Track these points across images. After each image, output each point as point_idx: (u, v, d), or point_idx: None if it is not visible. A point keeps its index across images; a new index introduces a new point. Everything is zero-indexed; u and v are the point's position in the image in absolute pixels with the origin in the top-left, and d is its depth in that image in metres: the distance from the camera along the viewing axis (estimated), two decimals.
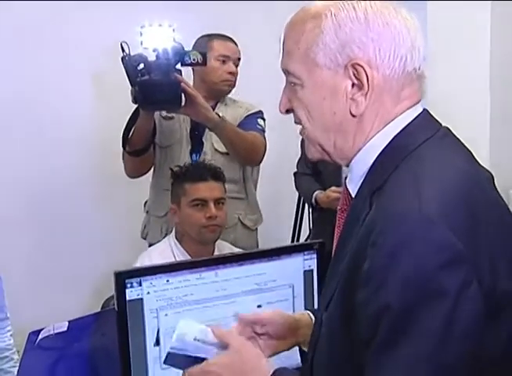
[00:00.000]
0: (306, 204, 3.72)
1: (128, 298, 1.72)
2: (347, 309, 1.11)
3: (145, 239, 3.20)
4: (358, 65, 1.16)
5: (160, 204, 3.09)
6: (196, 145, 3.07)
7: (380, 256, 1.06)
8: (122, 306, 1.72)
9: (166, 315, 1.77)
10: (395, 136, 1.19)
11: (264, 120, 3.13)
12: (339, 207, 1.30)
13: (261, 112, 3.15)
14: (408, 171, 1.14)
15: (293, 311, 1.90)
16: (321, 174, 3.46)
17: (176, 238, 2.78)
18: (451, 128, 1.26)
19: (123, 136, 2.87)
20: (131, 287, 1.73)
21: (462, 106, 3.17)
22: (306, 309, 1.85)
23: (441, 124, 1.25)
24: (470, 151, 1.25)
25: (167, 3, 3.20)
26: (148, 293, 1.74)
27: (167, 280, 1.77)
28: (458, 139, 1.25)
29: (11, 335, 1.99)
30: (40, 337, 1.80)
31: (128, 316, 1.72)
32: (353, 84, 1.17)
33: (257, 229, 3.25)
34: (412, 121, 1.20)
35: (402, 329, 1.04)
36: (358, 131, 1.20)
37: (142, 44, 2.64)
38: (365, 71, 1.15)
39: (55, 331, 1.81)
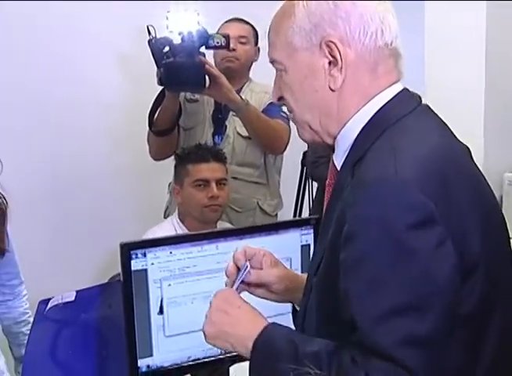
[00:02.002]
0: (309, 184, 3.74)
1: (132, 268, 1.80)
2: (334, 272, 1.19)
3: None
4: (331, 42, 1.25)
5: None
6: (219, 128, 3.14)
7: (356, 217, 1.15)
8: (127, 276, 1.80)
9: (169, 285, 1.85)
10: (376, 112, 1.28)
11: None
12: (327, 182, 1.39)
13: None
14: (386, 142, 1.22)
15: None
16: None
17: (179, 218, 2.86)
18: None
19: (149, 116, 2.97)
20: (136, 258, 1.81)
21: (459, 101, 3.23)
22: None
23: (420, 102, 1.33)
24: (447, 127, 1.33)
25: None
26: (152, 264, 1.83)
27: (171, 252, 1.85)
28: (436, 115, 1.34)
29: (27, 299, 2.08)
30: (49, 306, 1.88)
31: (133, 286, 1.81)
32: (330, 62, 1.27)
33: (277, 214, 3.29)
34: (392, 97, 1.29)
35: (378, 280, 1.13)
36: (340, 107, 1.29)
37: (167, 27, 2.76)
38: (337, 48, 1.25)
39: (64, 301, 1.89)
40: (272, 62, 1.34)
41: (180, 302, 1.87)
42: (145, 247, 1.82)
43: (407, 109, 1.28)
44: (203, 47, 2.81)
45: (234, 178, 3.09)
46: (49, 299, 1.89)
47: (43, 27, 3.39)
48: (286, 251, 1.97)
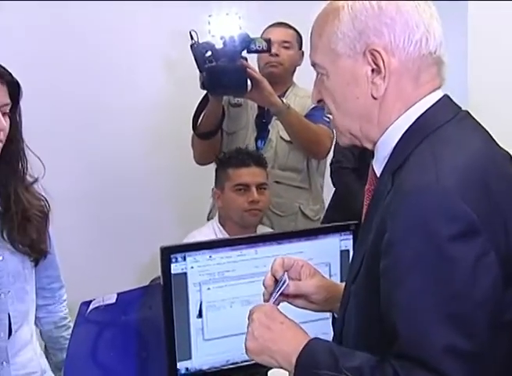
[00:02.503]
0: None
1: (172, 271, 1.83)
2: (374, 280, 1.19)
3: None
4: (375, 50, 1.24)
5: None
6: (262, 132, 3.16)
7: (397, 227, 1.15)
8: (167, 279, 1.83)
9: (208, 289, 1.87)
10: (417, 119, 1.27)
11: None
12: (366, 187, 1.39)
13: None
14: (426, 150, 1.21)
15: None
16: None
17: (219, 222, 2.88)
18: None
19: (193, 120, 3.01)
20: (176, 261, 1.83)
21: (503, 103, 3.18)
22: None
23: (460, 108, 1.32)
24: (488, 133, 1.32)
25: None
26: (192, 267, 1.85)
27: (210, 256, 1.87)
28: (477, 122, 1.33)
29: (66, 304, 2.11)
30: (90, 307, 1.91)
31: (173, 289, 1.83)
32: (373, 70, 1.26)
33: (319, 219, 3.28)
34: (433, 104, 1.28)
35: (420, 290, 1.12)
36: (381, 114, 1.28)
37: (209, 32, 2.80)
38: (381, 56, 1.24)
39: (105, 303, 1.91)
40: (314, 65, 1.34)
41: (219, 306, 1.89)
42: (185, 251, 1.85)
43: (447, 116, 1.27)
44: (245, 51, 2.83)
45: (276, 182, 3.10)
46: (91, 301, 1.91)
47: (91, 31, 3.44)
48: (325, 256, 1.98)
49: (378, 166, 1.33)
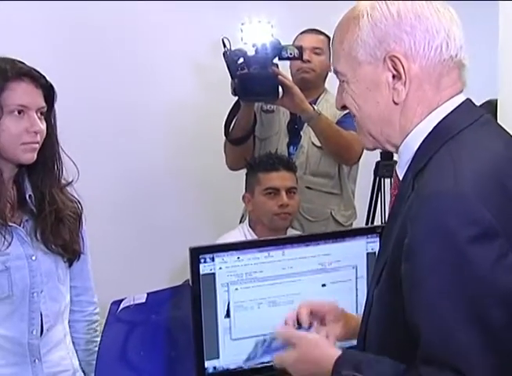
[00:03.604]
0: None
1: (201, 272, 1.86)
2: (396, 284, 1.21)
3: None
4: (395, 57, 1.25)
5: None
6: (294, 138, 3.18)
7: (416, 231, 1.16)
8: (196, 279, 1.86)
9: (236, 289, 1.90)
10: (438, 123, 1.28)
11: None
12: (391, 192, 1.42)
13: None
14: (445, 154, 1.22)
15: (357, 291, 2.00)
16: None
17: (250, 225, 2.91)
18: None
19: (225, 126, 3.05)
20: (205, 262, 1.87)
21: None
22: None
23: (484, 113, 1.33)
24: (509, 134, 1.33)
25: (266, 1, 3.32)
26: (220, 268, 1.88)
27: (238, 257, 1.90)
28: (500, 126, 1.34)
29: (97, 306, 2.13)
30: (121, 307, 1.95)
31: (201, 289, 1.87)
32: (394, 76, 1.27)
33: (351, 224, 3.28)
34: (454, 108, 1.29)
35: (442, 293, 1.13)
36: (403, 118, 1.30)
37: (242, 39, 2.84)
38: (401, 63, 1.25)
39: (135, 302, 1.95)
40: (336, 72, 1.37)
41: (246, 307, 1.92)
42: (213, 251, 1.88)
43: (468, 120, 1.28)
44: (277, 58, 2.87)
45: (308, 188, 3.13)
46: (121, 300, 1.95)
47: (127, 37, 3.49)
48: (352, 258, 2.00)
49: (401, 170, 1.34)
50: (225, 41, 2.83)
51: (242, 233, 2.91)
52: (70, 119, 2.95)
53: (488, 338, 1.12)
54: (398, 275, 1.20)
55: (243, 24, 2.82)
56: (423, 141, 1.29)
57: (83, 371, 2.04)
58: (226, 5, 3.53)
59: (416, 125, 1.30)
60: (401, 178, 1.34)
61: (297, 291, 1.96)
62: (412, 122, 1.30)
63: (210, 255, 1.87)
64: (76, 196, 1.98)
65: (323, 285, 1.98)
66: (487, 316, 1.12)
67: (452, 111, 1.29)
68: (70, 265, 1.96)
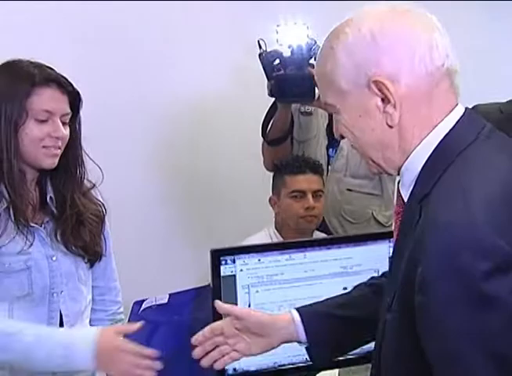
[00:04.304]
0: None
1: (222, 273, 1.87)
2: (409, 313, 1.16)
3: None
4: (378, 81, 1.21)
5: None
6: (333, 140, 3.16)
7: (430, 265, 1.10)
8: (217, 281, 1.87)
9: (257, 291, 1.91)
10: (440, 142, 1.23)
11: None
12: (395, 209, 1.36)
13: None
14: (453, 178, 1.17)
15: None
16: None
17: (276, 228, 2.92)
18: None
19: (262, 127, 3.06)
20: (226, 264, 1.88)
21: None
22: None
23: (485, 123, 1.27)
24: None
25: (302, 2, 3.31)
26: (241, 270, 1.89)
27: (259, 260, 1.91)
28: (503, 136, 1.28)
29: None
30: (143, 307, 1.97)
31: (222, 291, 1.87)
32: (382, 99, 1.22)
33: (391, 225, 3.27)
34: (455, 124, 1.24)
35: (460, 333, 1.09)
36: (402, 140, 1.25)
37: (277, 41, 2.85)
38: (385, 86, 1.20)
39: (157, 303, 1.97)
40: (326, 105, 1.33)
41: (267, 309, 1.91)
42: (234, 253, 1.89)
43: (471, 136, 1.23)
44: (313, 59, 2.85)
45: (349, 190, 3.13)
46: (143, 300, 1.97)
47: (162, 39, 3.50)
48: (374, 262, 1.99)
49: (405, 191, 1.29)
50: (261, 43, 2.84)
51: (268, 235, 2.92)
52: (99, 121, 3.02)
53: (508, 374, 1.08)
54: (411, 302, 1.15)
55: (278, 26, 2.83)
56: (426, 162, 1.24)
57: None
58: (261, 7, 3.54)
59: (418, 146, 1.25)
60: (405, 199, 1.29)
61: (318, 294, 1.93)
62: (412, 143, 1.25)
63: (231, 257, 1.88)
64: (100, 198, 2.00)
65: (345, 288, 1.96)
66: (505, 351, 1.08)
67: (452, 127, 1.24)
68: (92, 266, 1.98)
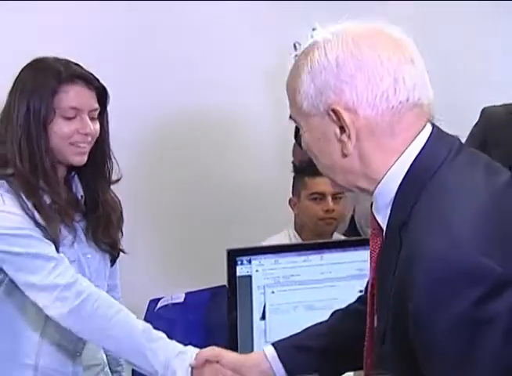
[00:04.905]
0: None
1: (238, 274, 1.88)
2: (404, 344, 1.14)
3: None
4: (336, 110, 1.18)
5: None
6: None
7: (420, 299, 1.08)
8: (233, 281, 1.88)
9: (272, 292, 1.91)
10: (411, 165, 1.19)
11: None
12: (370, 232, 1.32)
13: None
14: (431, 204, 1.14)
15: None
16: None
17: (295, 229, 2.92)
18: None
19: (295, 129, 3.05)
20: (242, 264, 1.88)
21: None
22: None
23: (453, 139, 1.24)
24: (485, 156, 1.25)
25: (338, 4, 3.29)
26: (257, 271, 1.89)
27: (276, 260, 1.91)
28: (472, 150, 1.26)
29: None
30: (159, 305, 1.98)
31: (238, 291, 1.88)
32: (341, 127, 1.19)
33: None
34: (423, 146, 1.20)
35: (461, 367, 1.07)
36: (365, 167, 1.22)
37: None
38: (341, 115, 1.18)
39: (173, 301, 1.98)
40: (290, 117, 1.31)
41: (283, 310, 1.92)
42: (250, 254, 1.89)
43: (440, 155, 1.19)
44: None
45: None
46: (159, 299, 1.98)
47: (197, 44, 3.50)
48: None
49: (381, 217, 1.25)
50: (297, 46, 2.81)
51: (287, 236, 2.91)
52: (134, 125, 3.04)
53: None
54: (404, 333, 1.12)
55: (314, 30, 2.80)
56: (399, 187, 1.20)
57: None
58: (296, 10, 3.53)
59: (388, 171, 1.20)
60: (382, 226, 1.25)
61: (334, 296, 1.95)
62: (379, 169, 1.21)
63: (247, 258, 1.88)
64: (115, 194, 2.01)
65: (361, 291, 1.95)
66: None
67: (421, 150, 1.20)
68: (114, 263, 1.99)
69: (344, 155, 1.21)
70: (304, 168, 2.88)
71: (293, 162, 3.03)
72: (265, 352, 1.62)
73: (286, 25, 3.43)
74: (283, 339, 1.64)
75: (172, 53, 3.46)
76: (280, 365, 1.59)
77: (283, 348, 1.61)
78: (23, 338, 1.82)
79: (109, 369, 2.05)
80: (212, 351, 1.69)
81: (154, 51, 3.41)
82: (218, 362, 1.65)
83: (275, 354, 1.60)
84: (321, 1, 3.31)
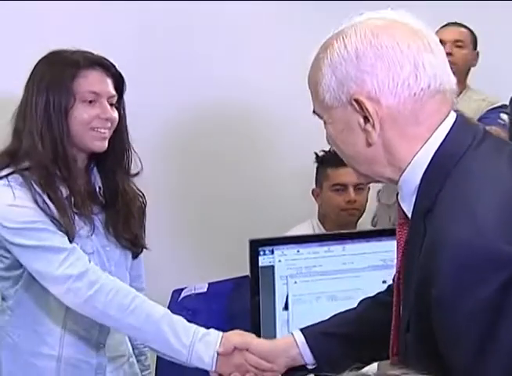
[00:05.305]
0: None
1: (260, 264, 1.88)
2: (427, 331, 1.15)
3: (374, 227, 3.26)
4: (358, 100, 1.20)
5: (390, 194, 3.09)
6: None
7: (444, 285, 1.09)
8: (255, 271, 1.88)
9: (295, 282, 1.91)
10: (435, 152, 1.20)
11: (508, 114, 2.99)
12: (397, 222, 1.32)
13: (504, 106, 3.05)
14: (455, 192, 1.16)
15: None
16: None
17: (319, 219, 2.92)
18: None
19: None
20: (264, 254, 1.88)
21: None
22: None
23: (477, 126, 1.26)
24: (510, 144, 1.28)
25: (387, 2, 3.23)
26: (279, 261, 1.90)
27: (298, 251, 1.91)
28: (496, 138, 1.27)
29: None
30: (182, 295, 1.99)
31: (260, 281, 1.88)
32: (364, 117, 1.21)
33: None
34: (447, 134, 1.21)
35: (484, 349, 1.08)
36: (390, 155, 1.23)
37: None
38: (364, 105, 1.19)
39: (196, 291, 1.99)
40: (315, 113, 1.32)
41: (305, 300, 1.93)
42: (272, 244, 1.89)
43: (465, 143, 1.20)
44: None
45: None
46: (182, 289, 1.99)
47: (228, 42, 3.51)
48: None
49: (406, 204, 1.26)
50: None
51: (311, 226, 2.92)
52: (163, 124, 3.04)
53: None
54: (429, 323, 1.14)
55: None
56: (424, 174, 1.21)
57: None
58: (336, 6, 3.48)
59: (412, 159, 1.22)
60: (408, 214, 1.26)
61: (357, 287, 1.95)
62: (404, 158, 1.23)
63: (270, 248, 1.88)
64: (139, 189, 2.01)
65: (384, 282, 1.95)
66: None
67: (445, 137, 1.21)
68: (136, 257, 1.99)
69: (369, 144, 1.23)
70: (327, 159, 2.88)
71: (315, 153, 3.01)
72: (294, 337, 1.63)
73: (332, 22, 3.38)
74: (311, 325, 1.66)
75: (208, 50, 3.43)
76: (308, 351, 1.61)
77: (311, 334, 1.63)
78: (45, 329, 1.84)
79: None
80: (240, 337, 1.70)
81: (193, 51, 3.38)
82: (247, 349, 1.66)
83: (303, 340, 1.62)
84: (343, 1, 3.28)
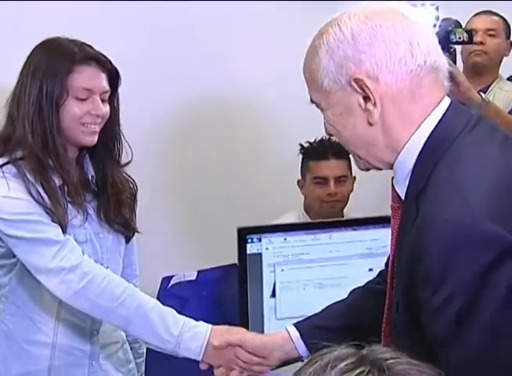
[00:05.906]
0: None
1: (248, 251, 1.91)
2: (415, 310, 1.18)
3: None
4: (359, 79, 1.22)
5: None
6: None
7: (433, 262, 1.12)
8: (243, 259, 1.91)
9: (282, 270, 1.94)
10: (429, 135, 1.23)
11: None
12: (391, 204, 1.36)
13: None
14: (447, 173, 1.18)
15: None
16: None
17: (304, 210, 2.95)
18: None
19: None
20: (252, 242, 1.91)
21: None
22: None
23: (471, 113, 1.29)
24: (504, 133, 1.28)
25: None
26: (267, 249, 1.92)
27: (285, 239, 1.94)
28: (491, 124, 1.30)
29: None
30: (171, 283, 2.01)
31: (248, 269, 1.91)
32: (364, 97, 1.23)
33: None
34: (440, 118, 1.24)
35: (465, 322, 1.11)
36: (387, 137, 1.26)
37: None
38: (365, 83, 1.22)
39: (185, 279, 2.02)
40: (312, 102, 1.34)
41: (292, 287, 1.95)
42: (260, 232, 1.92)
43: (458, 127, 1.24)
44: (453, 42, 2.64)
45: None
46: (172, 276, 2.01)
47: (245, 41, 3.51)
48: None
49: (400, 187, 1.29)
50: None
51: (297, 215, 2.94)
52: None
53: None
54: (417, 302, 1.17)
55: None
56: (418, 157, 1.24)
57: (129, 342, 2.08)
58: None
59: (407, 142, 1.25)
60: (402, 196, 1.29)
61: (343, 275, 1.98)
62: (399, 139, 1.26)
63: (257, 236, 1.91)
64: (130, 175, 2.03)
65: (370, 270, 1.99)
66: None
67: (439, 121, 1.24)
68: (128, 241, 2.02)
69: (370, 124, 1.25)
70: (310, 151, 2.91)
71: (300, 144, 3.03)
72: (289, 332, 1.65)
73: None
74: (304, 320, 1.68)
75: (221, 49, 3.41)
76: (303, 345, 1.63)
77: (305, 328, 1.65)
78: (39, 317, 1.85)
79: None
80: (236, 334, 1.70)
81: (204, 51, 3.37)
82: (240, 346, 1.68)
83: (298, 335, 1.64)
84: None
